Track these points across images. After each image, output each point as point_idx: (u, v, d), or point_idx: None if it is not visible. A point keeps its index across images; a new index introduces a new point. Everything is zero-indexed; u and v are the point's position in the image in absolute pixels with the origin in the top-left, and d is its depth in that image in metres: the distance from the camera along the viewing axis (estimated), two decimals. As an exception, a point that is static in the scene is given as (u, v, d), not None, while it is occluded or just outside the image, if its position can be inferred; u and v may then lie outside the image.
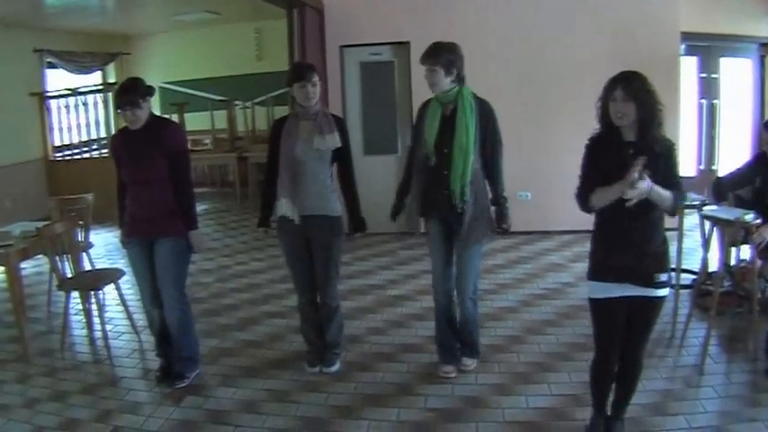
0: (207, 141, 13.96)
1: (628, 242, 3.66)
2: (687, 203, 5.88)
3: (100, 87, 12.94)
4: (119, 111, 4.85)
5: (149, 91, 4.94)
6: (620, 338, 3.85)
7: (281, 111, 5.15)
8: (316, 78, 4.85)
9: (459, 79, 4.75)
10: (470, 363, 5.22)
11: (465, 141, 4.70)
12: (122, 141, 5.02)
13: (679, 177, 3.58)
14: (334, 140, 4.88)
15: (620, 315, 3.78)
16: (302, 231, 4.98)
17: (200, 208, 5.19)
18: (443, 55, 4.67)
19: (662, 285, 3.69)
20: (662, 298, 3.74)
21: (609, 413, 4.07)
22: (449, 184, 4.75)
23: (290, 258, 5.17)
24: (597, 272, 3.80)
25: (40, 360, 5.77)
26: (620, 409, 4.04)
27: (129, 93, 4.80)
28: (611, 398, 4.05)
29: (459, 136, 4.70)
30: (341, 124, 5.04)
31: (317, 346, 5.35)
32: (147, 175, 4.91)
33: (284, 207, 4.92)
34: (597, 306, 3.84)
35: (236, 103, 14.14)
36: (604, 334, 3.89)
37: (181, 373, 5.22)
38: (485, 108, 4.82)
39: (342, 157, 5.02)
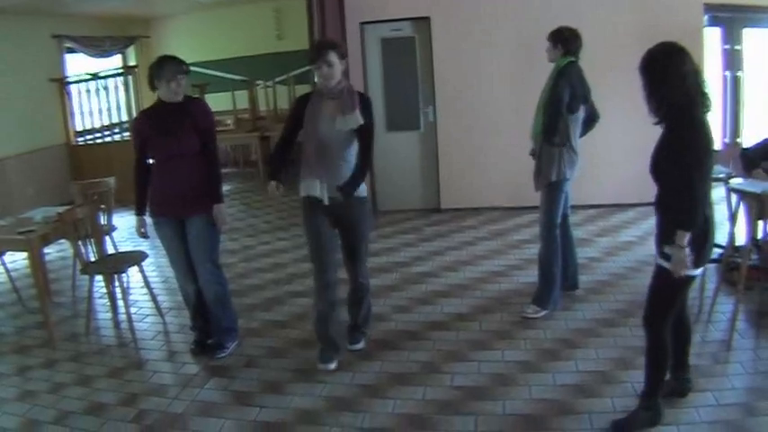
0: (229, 121, 13.98)
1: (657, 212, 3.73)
2: (715, 176, 5.79)
3: (120, 71, 12.91)
4: (171, 81, 4.91)
5: None
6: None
7: (302, 89, 5.11)
8: (331, 57, 4.59)
9: (566, 53, 5.46)
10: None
11: (539, 100, 5.54)
12: (149, 120, 5.08)
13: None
14: (355, 120, 4.65)
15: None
16: (330, 211, 4.81)
17: (223, 188, 5.21)
18: (556, 35, 5.53)
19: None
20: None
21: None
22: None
23: (316, 240, 4.90)
24: None
25: (66, 345, 5.83)
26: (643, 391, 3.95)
27: (182, 62, 4.98)
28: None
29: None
30: (365, 102, 4.79)
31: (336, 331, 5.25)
32: (181, 148, 4.98)
33: (311, 187, 4.71)
34: None
35: (258, 82, 14.16)
36: None
37: (221, 343, 5.37)
38: (556, 73, 5.41)
39: (363, 135, 4.76)
